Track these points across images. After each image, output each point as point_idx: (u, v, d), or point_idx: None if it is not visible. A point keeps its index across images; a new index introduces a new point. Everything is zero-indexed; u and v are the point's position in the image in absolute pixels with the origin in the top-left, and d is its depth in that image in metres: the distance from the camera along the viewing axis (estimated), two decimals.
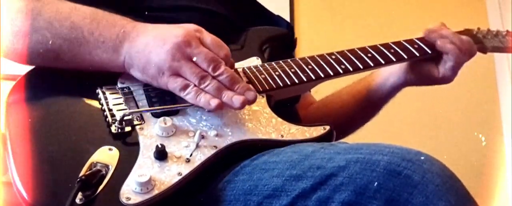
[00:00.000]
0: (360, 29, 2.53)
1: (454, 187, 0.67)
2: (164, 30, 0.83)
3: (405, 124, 2.36)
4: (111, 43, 0.82)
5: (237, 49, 0.97)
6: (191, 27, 0.84)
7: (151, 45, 0.81)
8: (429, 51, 1.03)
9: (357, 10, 2.60)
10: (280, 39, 1.06)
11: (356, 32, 2.53)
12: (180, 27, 0.83)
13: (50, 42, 0.82)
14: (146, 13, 0.93)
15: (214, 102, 0.79)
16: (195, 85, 0.80)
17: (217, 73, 0.80)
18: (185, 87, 0.80)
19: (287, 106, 0.96)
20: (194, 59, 0.80)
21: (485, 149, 2.40)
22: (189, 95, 0.80)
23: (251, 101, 0.82)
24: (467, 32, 1.13)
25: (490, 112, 2.44)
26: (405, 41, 1.04)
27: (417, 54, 1.02)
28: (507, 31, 1.17)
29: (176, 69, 0.80)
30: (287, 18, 2.38)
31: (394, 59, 1.00)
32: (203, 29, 0.84)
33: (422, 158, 0.69)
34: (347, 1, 2.63)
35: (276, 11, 1.20)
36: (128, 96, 0.83)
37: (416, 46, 1.03)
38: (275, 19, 1.17)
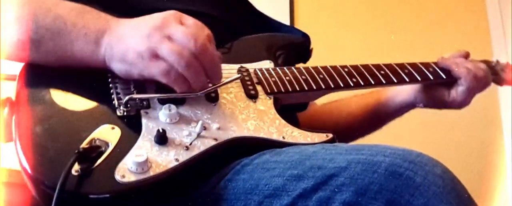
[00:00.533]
0: (360, 30, 2.53)
1: (455, 189, 0.67)
2: (143, 18, 0.82)
3: (406, 125, 2.35)
4: (94, 35, 0.81)
5: (250, 50, 0.98)
6: (171, 11, 0.82)
7: (129, 32, 0.80)
8: (444, 77, 1.04)
9: (357, 10, 2.60)
10: (296, 47, 1.06)
11: (356, 32, 2.53)
12: (159, 13, 0.82)
13: (32, 32, 0.81)
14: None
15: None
16: (175, 69, 0.77)
17: (198, 48, 0.77)
18: (167, 73, 0.78)
19: (293, 112, 0.96)
20: (173, 36, 0.78)
21: (485, 149, 2.41)
22: (168, 81, 0.78)
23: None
24: (485, 62, 1.12)
25: (490, 112, 2.44)
26: (421, 63, 1.04)
27: (431, 78, 1.03)
28: None
29: (154, 50, 0.78)
30: (287, 18, 2.37)
31: (407, 80, 1.00)
32: (183, 14, 0.82)
33: (424, 159, 0.69)
34: (347, 1, 2.63)
35: (276, 12, 1.20)
36: (138, 82, 0.83)
37: (431, 69, 1.04)
38: (287, 29, 1.17)
